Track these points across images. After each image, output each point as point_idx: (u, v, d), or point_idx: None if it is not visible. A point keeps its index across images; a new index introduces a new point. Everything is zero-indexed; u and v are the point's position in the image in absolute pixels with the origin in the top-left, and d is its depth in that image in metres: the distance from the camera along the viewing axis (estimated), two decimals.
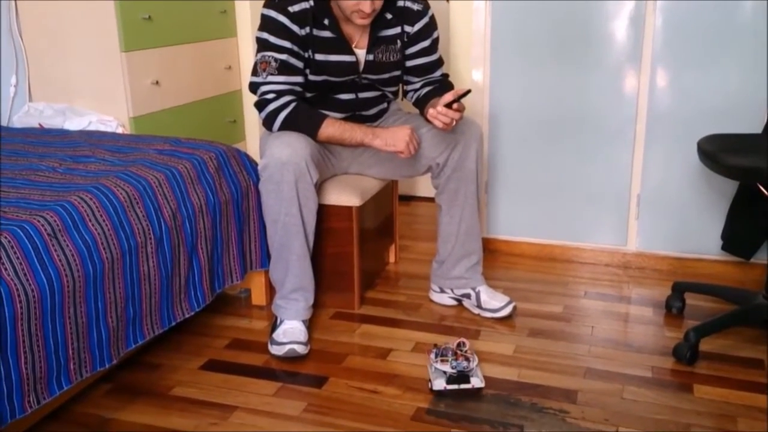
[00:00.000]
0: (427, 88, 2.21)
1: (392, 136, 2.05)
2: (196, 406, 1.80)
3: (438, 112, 1.95)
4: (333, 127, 2.06)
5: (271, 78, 2.03)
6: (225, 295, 2.41)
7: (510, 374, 1.92)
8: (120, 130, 2.56)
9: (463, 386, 1.80)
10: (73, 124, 2.55)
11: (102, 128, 2.53)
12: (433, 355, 1.85)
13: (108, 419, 1.75)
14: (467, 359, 1.82)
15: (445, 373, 1.81)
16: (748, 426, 1.69)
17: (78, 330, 1.62)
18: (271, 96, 2.03)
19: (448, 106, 1.94)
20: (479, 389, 1.82)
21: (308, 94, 2.13)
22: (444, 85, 2.22)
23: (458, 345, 1.86)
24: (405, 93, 2.32)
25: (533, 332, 2.15)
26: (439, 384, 1.81)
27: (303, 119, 2.04)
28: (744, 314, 2.09)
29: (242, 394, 1.85)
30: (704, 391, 1.84)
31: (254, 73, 2.08)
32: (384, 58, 2.14)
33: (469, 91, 1.97)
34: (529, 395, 1.82)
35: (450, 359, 1.82)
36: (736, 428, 1.68)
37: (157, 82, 2.69)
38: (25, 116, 2.65)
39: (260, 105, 2.06)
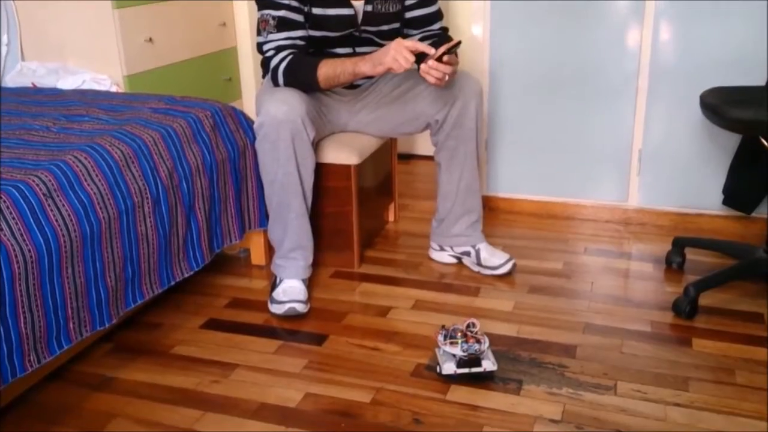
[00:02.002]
0: (425, 42, 2.17)
1: (378, 57, 1.95)
2: (197, 364, 1.81)
3: (429, 66, 1.90)
4: (326, 66, 2.01)
5: (271, 36, 2.00)
6: (224, 255, 2.40)
7: (509, 330, 1.93)
8: (114, 89, 2.52)
9: (475, 370, 1.69)
10: (67, 83, 2.52)
11: (96, 87, 2.50)
12: (441, 338, 1.72)
13: (109, 378, 1.76)
14: (478, 341, 1.70)
15: (454, 356, 1.70)
16: (746, 379, 1.70)
17: (77, 289, 1.62)
18: (271, 53, 2.01)
19: (439, 59, 1.90)
20: (491, 372, 1.71)
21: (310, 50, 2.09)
22: (443, 39, 2.17)
23: (468, 326, 1.73)
24: None
25: (533, 289, 2.16)
26: (449, 368, 1.70)
27: (301, 69, 2.00)
28: (744, 268, 2.08)
29: (243, 352, 1.86)
30: (703, 344, 1.84)
31: (258, 32, 2.05)
32: (383, 9, 2.09)
33: (459, 43, 1.91)
34: (529, 350, 1.83)
35: (460, 341, 1.69)
36: (734, 381, 1.69)
37: (150, 40, 2.64)
38: (17, 76, 2.61)
39: (264, 65, 2.04)
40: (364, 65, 1.97)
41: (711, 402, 1.62)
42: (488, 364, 1.70)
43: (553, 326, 1.94)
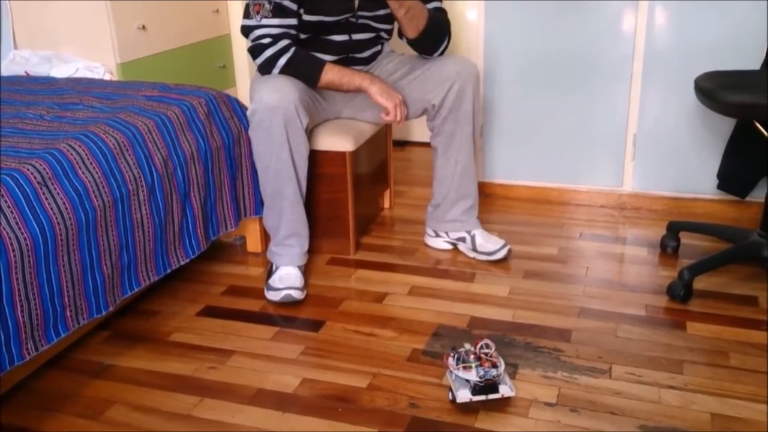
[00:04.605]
0: None
1: (388, 90, 2.05)
2: (194, 351, 1.82)
3: None
4: (332, 72, 2.02)
5: (265, 21, 1.98)
6: (220, 243, 2.41)
7: (505, 315, 1.94)
8: (107, 77, 2.51)
9: (492, 396, 1.54)
10: (60, 72, 2.51)
11: (89, 75, 2.49)
12: (452, 361, 1.57)
13: (107, 365, 1.77)
14: (494, 365, 1.54)
15: (468, 381, 1.54)
16: (739, 361, 1.71)
17: (73, 277, 1.62)
18: (267, 41, 1.98)
19: None
20: (508, 398, 1.58)
21: (301, 36, 2.08)
22: (438, 19, 2.16)
23: (480, 347, 1.58)
24: (400, 32, 2.25)
25: (528, 274, 2.16)
26: (464, 395, 1.54)
27: (304, 66, 2.00)
28: (738, 252, 2.09)
29: (240, 338, 1.87)
30: (697, 328, 1.86)
31: (246, 15, 2.02)
32: None
33: None
34: (524, 335, 1.84)
35: (473, 365, 1.54)
36: (728, 363, 1.70)
37: (143, 27, 2.63)
38: (10, 64, 2.60)
39: (255, 50, 2.01)
40: (373, 87, 2.03)
41: (705, 384, 1.63)
42: (506, 390, 1.56)
43: (548, 311, 1.95)
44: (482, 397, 1.55)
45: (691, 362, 1.71)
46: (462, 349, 1.59)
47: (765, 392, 1.60)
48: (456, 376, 1.57)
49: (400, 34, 2.26)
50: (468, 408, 1.57)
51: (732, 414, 1.53)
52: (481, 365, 1.54)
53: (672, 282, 2.00)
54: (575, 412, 1.55)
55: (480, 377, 1.53)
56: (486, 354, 1.57)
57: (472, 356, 1.56)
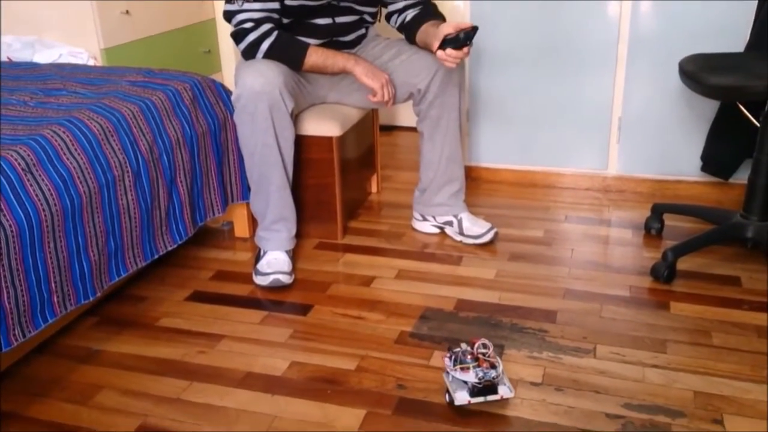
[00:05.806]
0: (411, 11, 2.15)
1: (373, 70, 2.04)
2: (183, 336, 1.82)
3: (448, 54, 1.92)
4: (316, 54, 2.02)
5: (247, 5, 1.97)
6: (207, 228, 2.41)
7: (491, 297, 1.95)
8: (91, 63, 2.49)
9: (491, 398, 1.50)
10: (43, 57, 2.49)
11: (73, 61, 2.47)
12: (449, 362, 1.52)
13: (96, 351, 1.77)
14: (493, 366, 1.50)
15: (466, 383, 1.49)
16: (722, 340, 1.74)
17: (59, 264, 1.62)
18: (249, 25, 1.97)
19: (459, 47, 1.90)
20: (507, 399, 1.54)
21: (284, 21, 2.08)
22: (427, 7, 2.16)
23: (478, 347, 1.53)
24: (388, 17, 2.25)
25: (514, 257, 2.18)
26: (462, 397, 1.49)
27: (287, 49, 2.00)
28: (721, 233, 2.12)
29: (229, 323, 1.88)
30: (680, 308, 1.88)
31: (228, 0, 2.01)
32: None
33: (476, 29, 1.91)
34: (510, 316, 1.86)
35: (471, 366, 1.49)
36: (710, 342, 1.73)
37: (127, 12, 2.61)
38: None
39: (238, 35, 2.00)
40: (357, 67, 2.03)
41: (688, 363, 1.66)
42: (505, 391, 1.51)
43: (534, 293, 1.97)
44: (481, 399, 1.50)
45: (674, 341, 1.74)
46: (458, 350, 1.53)
47: (747, 370, 1.62)
48: (453, 377, 1.52)
49: (387, 19, 2.26)
50: None
51: (714, 392, 1.56)
52: (479, 366, 1.50)
53: (656, 263, 2.02)
54: (560, 391, 1.57)
55: (479, 378, 1.48)
56: (483, 354, 1.52)
57: (469, 357, 1.51)
